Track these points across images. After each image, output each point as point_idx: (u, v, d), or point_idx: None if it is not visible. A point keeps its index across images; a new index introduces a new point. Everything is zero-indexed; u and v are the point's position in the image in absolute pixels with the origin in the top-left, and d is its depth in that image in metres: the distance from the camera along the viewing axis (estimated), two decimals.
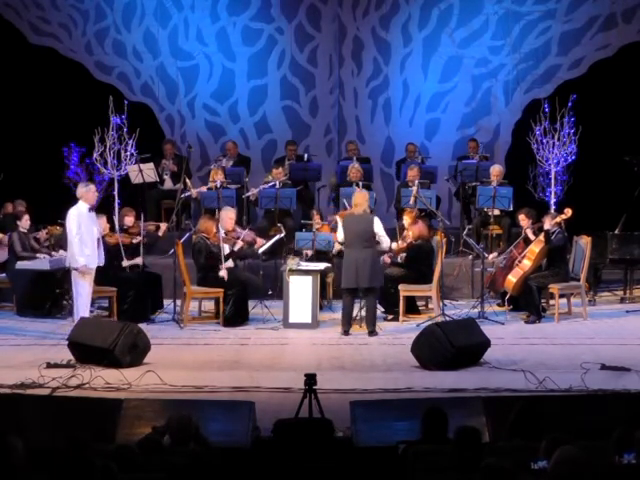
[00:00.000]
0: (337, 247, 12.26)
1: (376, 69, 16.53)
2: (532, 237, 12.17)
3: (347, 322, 11.30)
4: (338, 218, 12.02)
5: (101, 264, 11.30)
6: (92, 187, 11.28)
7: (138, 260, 12.31)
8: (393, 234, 12.58)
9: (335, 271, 12.91)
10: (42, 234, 13.00)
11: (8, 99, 15.65)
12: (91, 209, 11.16)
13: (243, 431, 7.20)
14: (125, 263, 12.14)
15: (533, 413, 6.01)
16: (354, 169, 14.29)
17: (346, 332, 11.23)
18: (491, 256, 12.72)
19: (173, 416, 6.22)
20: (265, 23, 16.45)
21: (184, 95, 16.54)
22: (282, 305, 11.80)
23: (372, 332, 11.20)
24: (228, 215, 12.27)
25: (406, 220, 12.38)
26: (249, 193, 14.08)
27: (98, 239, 11.21)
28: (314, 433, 7.11)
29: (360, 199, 11.36)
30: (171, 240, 12.43)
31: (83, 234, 10.97)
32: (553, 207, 13.78)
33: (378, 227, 11.27)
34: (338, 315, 12.16)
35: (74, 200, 11.29)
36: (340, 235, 11.50)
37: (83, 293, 11.01)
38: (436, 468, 5.44)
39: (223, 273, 11.87)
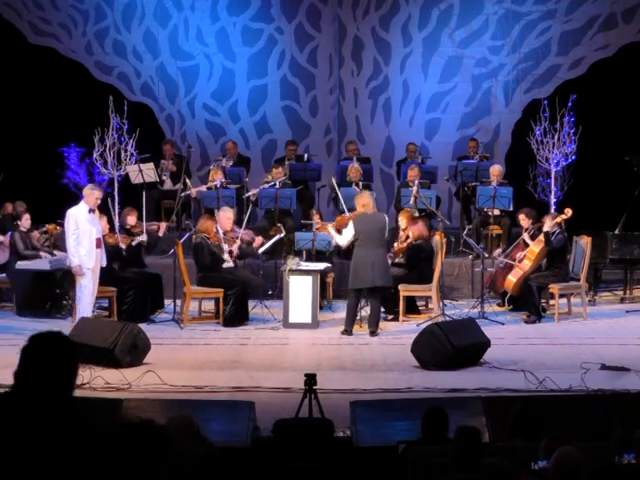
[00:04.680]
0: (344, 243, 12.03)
1: (376, 69, 16.53)
2: (530, 242, 12.19)
3: (351, 322, 11.26)
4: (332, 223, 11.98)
5: (103, 265, 11.33)
6: (96, 193, 11.30)
7: (143, 237, 12.33)
8: (393, 234, 12.59)
9: (335, 271, 12.93)
10: (35, 234, 12.98)
11: (8, 99, 15.65)
12: (91, 211, 11.19)
13: (243, 431, 7.20)
14: (124, 254, 12.16)
15: (533, 413, 6.01)
16: (354, 169, 14.30)
17: (349, 332, 11.20)
18: (496, 252, 12.73)
19: (173, 416, 6.22)
20: (265, 23, 16.45)
21: (184, 95, 16.54)
22: (282, 305, 11.80)
23: (374, 332, 11.20)
24: (226, 215, 12.27)
25: (402, 221, 12.38)
26: (249, 193, 14.08)
27: (98, 239, 11.23)
28: (314, 433, 7.11)
29: (367, 199, 11.36)
30: (171, 240, 12.43)
31: (79, 234, 11.04)
32: (553, 207, 13.78)
33: (387, 227, 11.35)
34: (338, 315, 12.18)
35: (74, 200, 11.31)
36: (347, 237, 11.40)
37: (86, 292, 11.09)
38: (436, 468, 5.44)
39: (230, 263, 11.91)
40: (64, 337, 3.67)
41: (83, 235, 11.09)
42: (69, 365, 3.61)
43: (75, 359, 3.64)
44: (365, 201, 11.33)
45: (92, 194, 11.24)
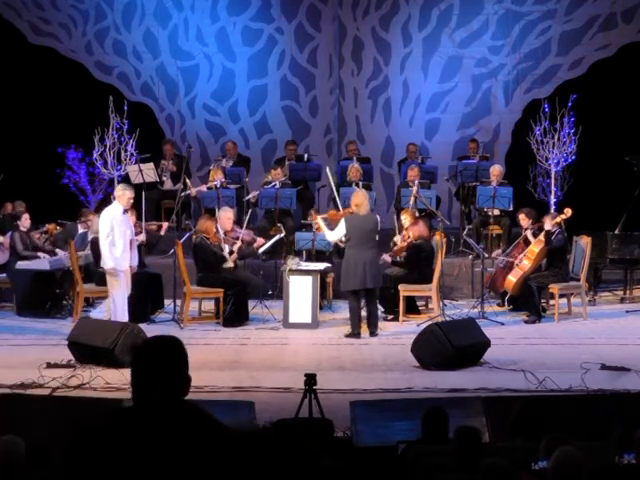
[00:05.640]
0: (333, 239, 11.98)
1: (376, 69, 16.53)
2: (532, 239, 12.19)
3: (358, 324, 11.20)
4: (321, 217, 11.92)
5: (133, 265, 11.20)
6: (128, 193, 10.99)
7: (142, 237, 12.25)
8: (393, 234, 12.59)
9: (335, 271, 12.91)
10: (37, 234, 12.98)
11: (8, 99, 15.65)
12: (125, 211, 11.00)
13: None
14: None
15: (533, 413, 6.01)
16: (354, 169, 14.29)
17: (358, 334, 11.12)
18: (495, 252, 12.75)
19: None
20: (265, 23, 16.45)
21: (184, 95, 16.55)
22: (282, 305, 11.80)
23: (374, 333, 11.18)
24: (226, 215, 12.27)
25: (405, 219, 12.37)
26: (249, 196, 14.07)
27: (131, 240, 11.09)
28: (314, 433, 7.10)
29: (361, 199, 11.27)
30: (171, 240, 12.43)
31: (114, 236, 10.82)
32: (553, 207, 13.79)
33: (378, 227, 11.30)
34: (338, 315, 12.18)
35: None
36: (337, 234, 11.38)
37: (119, 295, 10.88)
38: (436, 468, 5.44)
39: (231, 264, 11.91)
40: (176, 340, 3.62)
41: (118, 236, 10.83)
42: (183, 368, 3.57)
43: (187, 362, 3.59)
44: (359, 200, 11.25)
45: (124, 194, 10.94)
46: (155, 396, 3.49)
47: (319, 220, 11.83)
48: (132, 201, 11.15)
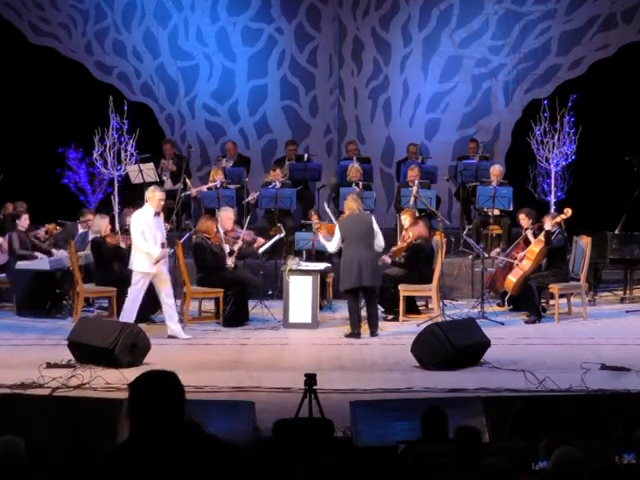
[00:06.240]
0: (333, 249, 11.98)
1: (376, 69, 16.53)
2: (532, 239, 12.18)
3: (357, 324, 11.19)
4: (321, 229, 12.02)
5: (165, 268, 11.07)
6: (157, 194, 10.80)
7: None
8: (393, 234, 12.59)
9: (335, 271, 12.91)
10: (41, 232, 13.00)
11: (8, 99, 15.65)
12: (157, 214, 10.85)
13: (243, 431, 7.19)
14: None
15: (533, 413, 6.01)
16: (354, 169, 14.29)
17: (357, 334, 11.11)
18: (494, 251, 12.74)
19: None
20: (265, 23, 16.45)
21: (184, 95, 16.55)
22: (282, 305, 11.80)
23: (374, 333, 11.18)
24: (227, 215, 12.28)
25: (405, 219, 12.37)
26: (249, 198, 14.06)
27: (163, 243, 10.93)
28: (314, 433, 7.10)
29: (352, 203, 11.35)
30: (171, 240, 12.41)
31: (146, 238, 10.68)
32: (553, 207, 13.79)
33: (376, 225, 11.28)
34: (338, 315, 12.17)
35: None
36: (335, 242, 11.36)
37: (135, 296, 10.79)
38: (436, 468, 5.44)
39: (231, 264, 11.90)
40: (172, 376, 3.61)
41: (150, 239, 10.70)
42: (180, 403, 3.57)
43: (183, 396, 3.58)
44: (350, 205, 11.33)
45: (154, 196, 10.76)
46: (154, 431, 3.48)
47: (321, 239, 11.91)
48: (163, 202, 10.94)
